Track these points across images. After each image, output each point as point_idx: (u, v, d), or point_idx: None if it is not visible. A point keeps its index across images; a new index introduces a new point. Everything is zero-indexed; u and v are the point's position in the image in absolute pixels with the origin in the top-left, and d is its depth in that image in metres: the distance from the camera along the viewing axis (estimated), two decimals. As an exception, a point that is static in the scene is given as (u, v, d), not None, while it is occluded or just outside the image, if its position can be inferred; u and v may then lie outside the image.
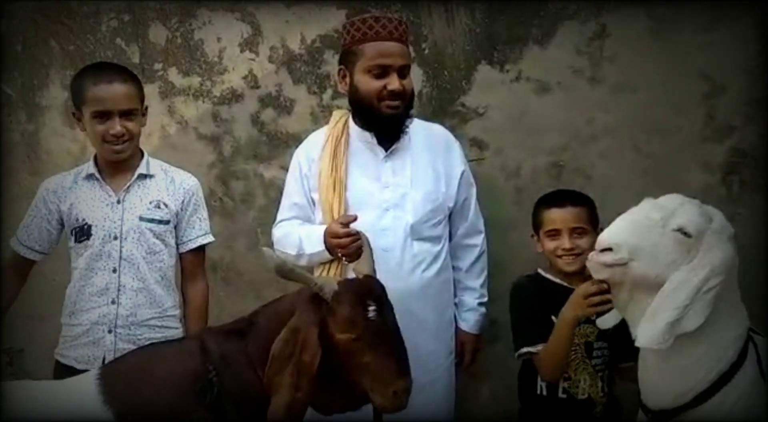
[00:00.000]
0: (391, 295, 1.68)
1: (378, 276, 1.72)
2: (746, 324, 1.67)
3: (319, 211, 2.09)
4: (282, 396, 1.52)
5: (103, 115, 1.94)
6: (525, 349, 1.97)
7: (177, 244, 2.10)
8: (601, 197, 2.46)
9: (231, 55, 2.65)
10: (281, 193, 2.25)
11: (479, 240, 2.22)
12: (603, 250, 1.63)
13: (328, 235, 1.93)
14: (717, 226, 1.63)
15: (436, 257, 2.06)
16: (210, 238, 2.16)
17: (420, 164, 2.07)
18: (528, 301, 2.00)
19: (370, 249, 1.82)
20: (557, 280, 2.01)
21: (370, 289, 1.65)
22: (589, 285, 1.76)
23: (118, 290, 1.99)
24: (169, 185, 2.07)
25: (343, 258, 1.93)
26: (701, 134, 2.42)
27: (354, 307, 1.58)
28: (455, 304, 2.20)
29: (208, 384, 1.58)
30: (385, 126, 2.02)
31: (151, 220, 2.02)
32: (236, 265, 2.74)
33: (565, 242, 1.96)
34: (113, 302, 1.99)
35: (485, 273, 2.24)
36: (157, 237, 2.03)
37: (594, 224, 2.01)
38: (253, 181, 2.71)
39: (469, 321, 2.19)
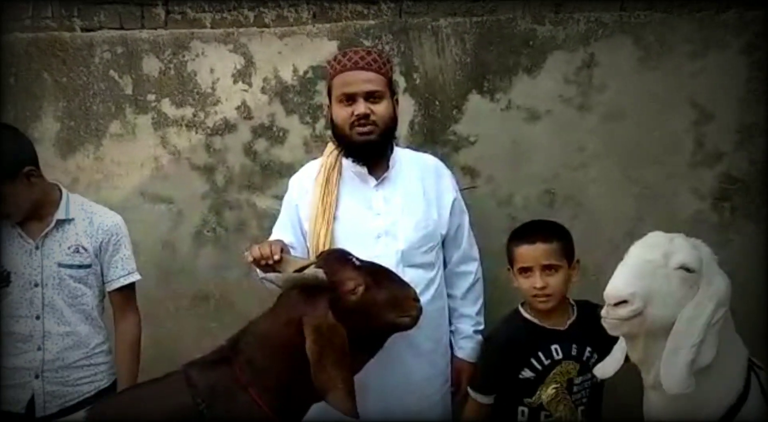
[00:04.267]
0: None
1: None
2: (746, 353, 1.66)
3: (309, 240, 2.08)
4: (339, 389, 1.60)
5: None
6: (474, 394, 2.03)
7: (102, 283, 2.11)
8: (592, 224, 2.49)
9: (224, 86, 2.66)
10: (274, 223, 2.24)
11: (473, 267, 2.21)
12: (617, 304, 1.55)
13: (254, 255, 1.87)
14: (707, 256, 1.62)
15: (429, 283, 2.05)
16: (135, 277, 2.15)
17: (411, 192, 2.08)
18: (501, 351, 2.00)
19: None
20: (535, 320, 2.00)
21: (338, 251, 1.86)
22: None
23: (43, 336, 2.00)
24: (87, 227, 2.06)
25: (268, 263, 1.84)
26: (691, 161, 2.44)
27: (346, 266, 1.75)
28: (451, 332, 2.18)
29: (198, 417, 1.59)
30: (361, 153, 2.03)
31: (71, 266, 2.02)
32: (228, 296, 2.72)
33: (537, 280, 1.92)
34: (39, 349, 1.99)
35: (481, 300, 2.22)
36: (79, 282, 2.04)
37: (569, 258, 1.98)
38: (246, 211, 2.70)
39: (466, 349, 2.17)
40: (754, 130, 2.41)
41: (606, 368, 1.78)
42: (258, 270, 1.90)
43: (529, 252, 1.95)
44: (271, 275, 1.72)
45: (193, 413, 1.60)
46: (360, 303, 1.72)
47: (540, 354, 1.95)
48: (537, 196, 2.53)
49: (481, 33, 2.51)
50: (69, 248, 2.03)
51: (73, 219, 2.05)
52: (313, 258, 1.91)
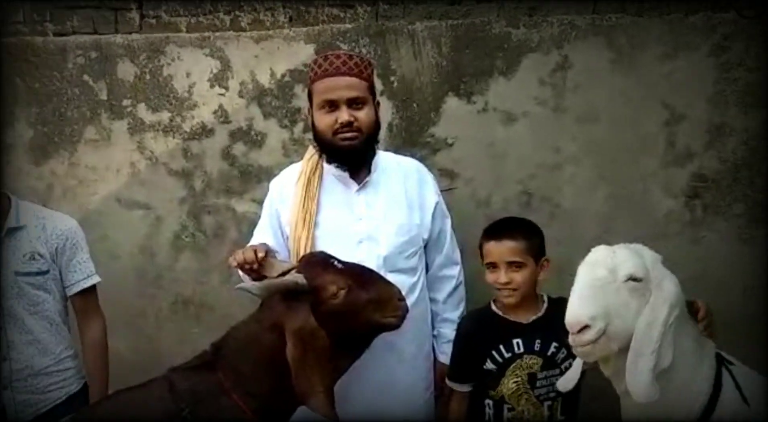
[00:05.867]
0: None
1: None
2: (712, 348, 1.68)
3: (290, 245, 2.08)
4: (319, 394, 1.60)
5: None
6: (451, 384, 2.08)
7: (63, 287, 2.08)
8: (569, 223, 2.53)
9: (200, 91, 2.65)
10: (253, 227, 2.24)
11: (456, 271, 2.22)
12: (581, 330, 1.55)
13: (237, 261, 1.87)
14: (651, 260, 1.62)
15: (411, 289, 2.05)
16: (95, 280, 2.12)
17: (393, 196, 2.08)
18: (466, 339, 2.06)
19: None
20: (500, 313, 2.04)
21: (319, 254, 1.85)
22: None
23: (8, 347, 1.97)
24: (41, 233, 2.03)
25: (252, 267, 1.84)
26: (663, 160, 2.50)
27: (328, 270, 1.74)
28: (434, 336, 2.20)
29: (181, 423, 1.58)
30: (345, 159, 2.03)
31: (28, 274, 1.99)
32: (208, 301, 2.72)
33: (502, 276, 1.97)
34: (5, 359, 1.97)
35: (463, 304, 2.24)
36: (38, 289, 2.01)
37: (536, 255, 2.00)
38: (225, 216, 2.69)
39: (448, 354, 2.17)
40: (723, 130, 2.46)
41: (567, 382, 1.80)
42: (242, 275, 1.90)
43: (495, 249, 1.99)
44: (249, 284, 1.71)
45: (176, 418, 1.60)
46: (344, 306, 1.71)
47: (501, 346, 1.98)
48: (514, 196, 2.57)
49: (457, 36, 2.54)
50: (24, 256, 1.99)
51: (24, 227, 2.01)
52: (294, 263, 1.91)
